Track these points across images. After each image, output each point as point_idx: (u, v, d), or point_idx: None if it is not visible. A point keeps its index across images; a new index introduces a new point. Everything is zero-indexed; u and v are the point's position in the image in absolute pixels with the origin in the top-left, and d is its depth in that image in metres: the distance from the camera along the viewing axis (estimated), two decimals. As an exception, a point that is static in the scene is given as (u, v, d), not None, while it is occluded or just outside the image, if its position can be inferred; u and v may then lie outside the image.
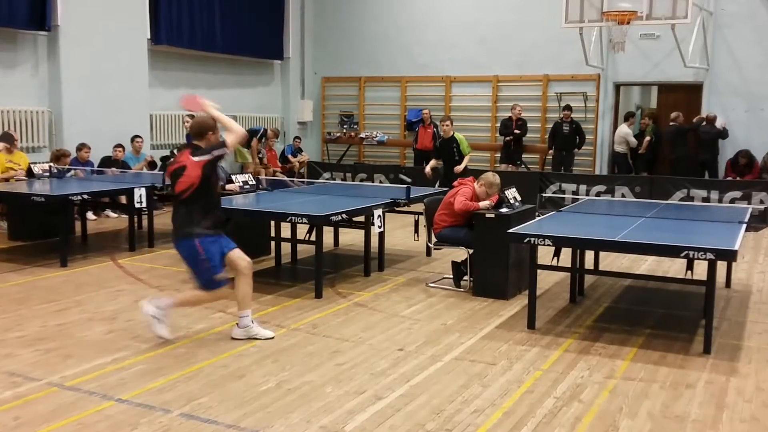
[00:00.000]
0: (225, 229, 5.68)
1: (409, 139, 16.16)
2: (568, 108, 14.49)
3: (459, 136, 10.91)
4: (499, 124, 15.35)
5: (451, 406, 4.48)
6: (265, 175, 14.04)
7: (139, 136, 12.63)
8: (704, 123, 13.57)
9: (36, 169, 10.18)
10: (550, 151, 14.55)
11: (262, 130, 14.84)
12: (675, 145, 13.75)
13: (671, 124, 13.82)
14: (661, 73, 14.26)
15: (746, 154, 13.28)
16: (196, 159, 5.34)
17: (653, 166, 14.80)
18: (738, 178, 13.02)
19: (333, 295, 7.15)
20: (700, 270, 6.09)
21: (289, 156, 16.00)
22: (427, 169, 11.47)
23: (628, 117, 14.84)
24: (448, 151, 10.92)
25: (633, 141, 14.44)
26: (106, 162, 11.96)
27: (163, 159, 13.17)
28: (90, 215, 11.21)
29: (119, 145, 12.08)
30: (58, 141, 11.88)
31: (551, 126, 14.74)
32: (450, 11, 15.94)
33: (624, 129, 14.56)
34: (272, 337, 5.71)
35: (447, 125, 10.95)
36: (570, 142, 14.38)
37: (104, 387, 4.70)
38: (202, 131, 5.48)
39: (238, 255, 5.61)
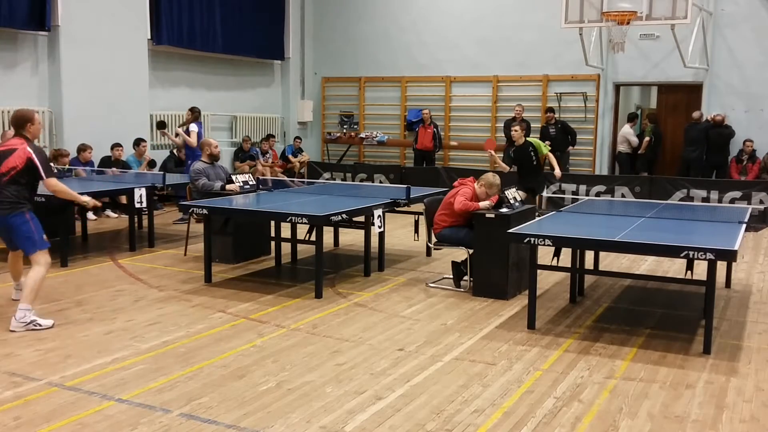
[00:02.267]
0: None
1: (409, 139, 16.16)
2: (550, 110, 14.51)
3: (534, 140, 10.36)
4: (499, 125, 15.36)
5: (451, 406, 4.49)
6: (270, 175, 14.07)
7: (144, 140, 12.62)
8: (712, 125, 13.55)
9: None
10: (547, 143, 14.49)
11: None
12: (694, 143, 13.63)
13: (694, 123, 13.74)
14: (660, 74, 14.27)
15: (750, 143, 13.31)
16: (29, 149, 5.90)
17: (653, 166, 14.81)
18: (742, 178, 13.04)
19: (333, 295, 7.15)
20: (700, 270, 6.09)
21: (290, 156, 16.01)
22: (494, 152, 10.80)
23: (632, 118, 14.88)
24: (526, 158, 10.15)
25: (635, 140, 14.48)
26: (107, 162, 11.96)
27: (167, 160, 13.19)
28: (90, 215, 11.21)
29: (118, 145, 12.06)
30: (58, 141, 11.88)
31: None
32: (450, 11, 15.94)
33: (626, 129, 14.61)
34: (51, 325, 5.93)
35: (516, 131, 10.13)
36: (560, 142, 14.35)
37: (104, 387, 4.70)
38: (21, 122, 6.01)
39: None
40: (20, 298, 6.02)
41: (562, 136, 14.36)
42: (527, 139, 10.32)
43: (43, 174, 5.98)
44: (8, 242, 6.28)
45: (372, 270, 8.09)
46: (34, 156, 5.92)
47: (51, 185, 6.11)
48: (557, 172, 10.52)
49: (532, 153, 10.22)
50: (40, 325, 5.87)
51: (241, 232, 8.53)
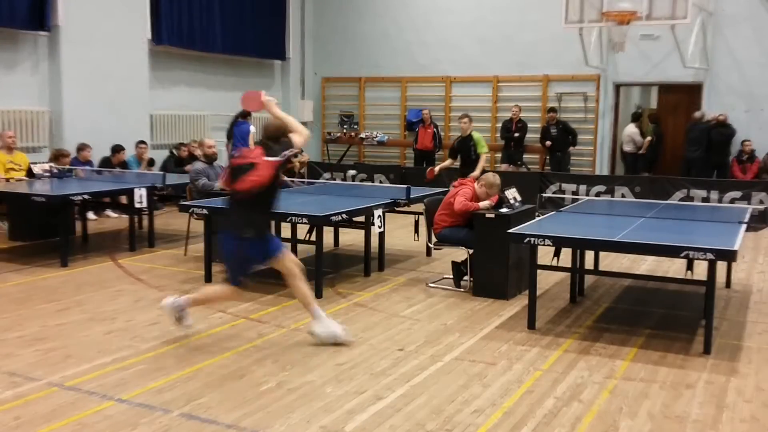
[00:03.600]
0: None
1: (409, 139, 16.16)
2: (552, 110, 14.52)
3: (476, 134, 10.64)
4: (499, 125, 15.36)
5: (451, 406, 4.49)
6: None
7: (144, 142, 12.60)
8: (714, 124, 13.58)
9: (36, 169, 10.17)
10: (548, 143, 14.48)
11: None
12: (696, 143, 13.63)
13: (695, 123, 13.76)
14: (661, 74, 14.26)
15: (749, 143, 13.37)
16: (269, 159, 5.31)
17: (654, 166, 14.81)
18: (743, 177, 13.07)
19: (333, 295, 7.14)
20: (700, 270, 6.09)
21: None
22: (437, 168, 11.25)
23: (636, 117, 14.89)
24: (465, 150, 10.61)
25: (640, 140, 14.50)
26: (107, 164, 11.94)
27: (168, 160, 13.18)
28: (90, 215, 11.21)
29: (120, 148, 12.01)
30: (58, 141, 11.87)
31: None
32: (450, 11, 15.94)
33: (630, 128, 14.62)
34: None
35: (465, 122, 10.59)
36: (561, 143, 14.36)
37: (104, 387, 4.70)
38: (278, 135, 5.48)
39: (286, 257, 5.60)
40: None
41: (563, 136, 14.36)
42: (472, 133, 10.65)
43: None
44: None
45: (372, 270, 8.09)
46: (278, 162, 5.38)
47: (298, 146, 5.60)
48: (474, 174, 10.46)
49: (472, 146, 10.57)
50: (182, 319, 5.63)
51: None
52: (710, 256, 5.33)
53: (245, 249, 5.34)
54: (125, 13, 12.70)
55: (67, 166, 10.93)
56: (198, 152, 13.58)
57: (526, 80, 15.47)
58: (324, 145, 17.56)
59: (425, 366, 5.19)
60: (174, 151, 13.39)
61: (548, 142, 14.41)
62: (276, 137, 5.46)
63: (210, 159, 8.93)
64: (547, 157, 14.70)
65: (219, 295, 5.72)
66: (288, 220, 7.02)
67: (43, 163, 10.50)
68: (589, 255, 7.54)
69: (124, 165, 12.08)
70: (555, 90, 15.16)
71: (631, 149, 14.61)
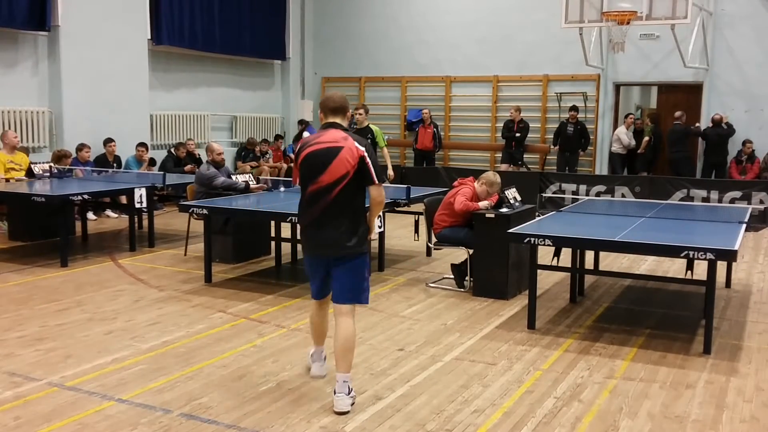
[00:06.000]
0: None
1: (409, 139, 16.16)
2: (574, 109, 14.37)
3: (375, 127, 10.22)
4: (499, 125, 15.37)
5: (451, 406, 4.48)
6: (270, 175, 14.06)
7: (144, 144, 12.57)
8: (710, 125, 13.58)
9: (36, 170, 10.18)
10: (555, 147, 14.47)
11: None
12: (676, 145, 13.70)
13: (675, 123, 13.79)
14: (661, 73, 14.26)
15: (750, 144, 13.38)
16: (358, 146, 4.25)
17: (653, 166, 14.81)
18: (742, 177, 13.08)
19: (333, 295, 7.13)
20: (700, 270, 6.09)
21: (290, 155, 16.03)
22: (390, 172, 10.73)
23: (625, 118, 14.91)
24: None
25: (625, 140, 14.41)
26: (102, 162, 11.91)
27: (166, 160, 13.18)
28: (90, 215, 11.21)
29: (110, 140, 12.00)
30: (58, 141, 11.87)
31: (556, 126, 14.68)
32: (450, 11, 15.93)
33: (619, 129, 14.59)
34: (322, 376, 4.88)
35: (360, 114, 10.12)
36: (574, 143, 14.33)
37: (104, 387, 4.70)
38: (345, 106, 4.44)
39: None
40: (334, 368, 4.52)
41: (577, 137, 14.28)
42: (369, 125, 10.23)
43: (374, 177, 4.32)
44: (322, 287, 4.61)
45: (372, 270, 8.07)
46: (364, 153, 4.28)
47: (381, 194, 4.40)
48: (390, 172, 10.43)
49: (370, 139, 10.07)
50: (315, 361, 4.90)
51: (241, 232, 8.53)
52: (710, 256, 5.33)
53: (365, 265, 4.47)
54: (125, 13, 12.69)
55: (68, 166, 10.94)
56: (196, 151, 13.64)
57: (526, 80, 15.46)
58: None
59: (425, 366, 5.19)
60: (172, 151, 13.38)
61: (555, 147, 14.35)
62: (342, 107, 4.41)
63: (218, 165, 8.80)
64: (555, 156, 14.62)
65: (354, 332, 4.55)
66: (288, 220, 7.00)
67: (43, 163, 10.50)
68: (589, 255, 7.55)
69: (118, 161, 12.08)
70: (555, 90, 15.16)
71: (616, 149, 14.55)
